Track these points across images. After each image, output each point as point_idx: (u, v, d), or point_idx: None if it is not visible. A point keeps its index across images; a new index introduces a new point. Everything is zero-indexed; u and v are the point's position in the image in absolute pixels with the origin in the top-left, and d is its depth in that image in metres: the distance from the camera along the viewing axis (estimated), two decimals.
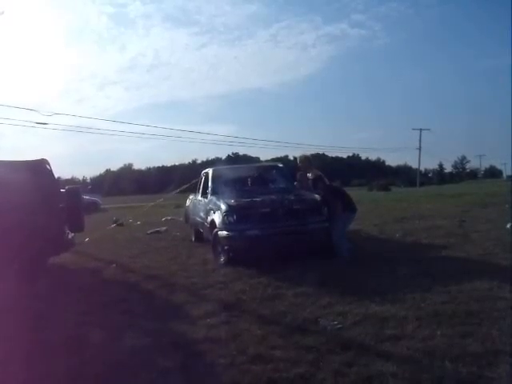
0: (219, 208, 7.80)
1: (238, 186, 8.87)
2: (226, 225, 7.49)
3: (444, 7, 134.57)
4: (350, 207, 7.72)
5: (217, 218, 7.78)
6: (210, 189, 9.00)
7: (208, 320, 4.57)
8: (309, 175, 8.33)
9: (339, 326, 4.23)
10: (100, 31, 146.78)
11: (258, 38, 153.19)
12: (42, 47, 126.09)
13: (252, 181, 9.23)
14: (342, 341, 3.82)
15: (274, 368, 3.36)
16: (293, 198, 8.00)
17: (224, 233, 7.44)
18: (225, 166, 10.67)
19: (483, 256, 6.95)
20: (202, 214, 9.10)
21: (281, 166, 10.32)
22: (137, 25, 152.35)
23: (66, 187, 8.20)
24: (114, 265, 7.86)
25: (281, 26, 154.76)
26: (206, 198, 8.94)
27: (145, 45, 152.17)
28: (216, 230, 7.68)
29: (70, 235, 8.04)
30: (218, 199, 8.15)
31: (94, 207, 29.70)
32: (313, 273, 6.20)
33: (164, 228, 13.36)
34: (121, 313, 5.02)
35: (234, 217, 7.45)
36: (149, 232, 12.77)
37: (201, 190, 9.79)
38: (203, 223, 8.79)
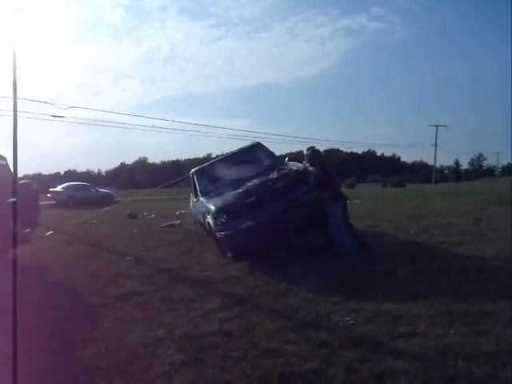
0: (209, 210, 7.85)
1: (224, 179, 8.81)
2: (219, 226, 7.53)
3: None
4: (342, 194, 7.62)
5: (210, 220, 7.84)
6: (198, 191, 9.08)
7: (221, 313, 4.59)
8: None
9: (352, 322, 4.22)
10: (115, 24, 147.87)
11: (274, 31, 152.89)
12: (58, 41, 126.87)
13: (235, 169, 9.01)
14: (355, 337, 3.81)
15: (286, 362, 3.36)
16: (275, 176, 7.87)
17: (220, 233, 7.48)
18: (207, 163, 10.40)
19: (499, 255, 6.87)
20: (201, 216, 9.17)
21: (259, 143, 10.15)
22: (152, 17, 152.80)
23: (19, 182, 8.09)
24: (128, 257, 7.93)
25: (297, 18, 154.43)
26: (199, 199, 9.01)
27: (160, 38, 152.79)
28: (213, 231, 7.75)
29: (23, 231, 7.94)
30: (207, 201, 8.20)
31: (109, 200, 30.08)
32: (325, 269, 6.19)
33: (178, 222, 13.45)
34: (135, 306, 5.07)
35: (224, 216, 7.44)
36: (163, 225, 12.86)
37: (193, 192, 9.82)
38: (204, 224, 8.85)
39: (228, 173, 8.97)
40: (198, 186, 9.20)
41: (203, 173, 9.55)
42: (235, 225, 7.31)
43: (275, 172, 8.05)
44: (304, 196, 7.47)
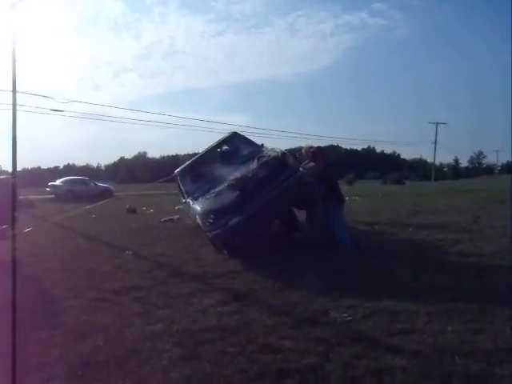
0: (197, 212, 7.80)
1: (206, 175, 8.73)
2: (208, 226, 7.47)
3: None
4: (342, 197, 7.63)
5: (200, 221, 7.79)
6: (184, 192, 9.02)
7: (219, 309, 4.60)
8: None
9: (349, 318, 4.23)
10: (115, 18, 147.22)
11: (274, 27, 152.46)
12: (58, 34, 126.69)
13: (216, 163, 8.92)
14: (352, 333, 3.82)
15: (284, 358, 3.37)
16: (256, 165, 7.77)
17: (211, 233, 7.41)
18: (188, 162, 10.17)
19: (498, 252, 6.87)
20: (192, 216, 9.09)
21: (235, 132, 9.96)
22: (152, 11, 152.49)
23: None
24: (127, 252, 7.93)
25: (298, 14, 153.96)
26: (186, 201, 8.93)
27: (160, 32, 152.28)
28: (205, 231, 7.70)
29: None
30: (193, 202, 8.14)
31: (108, 194, 30.06)
32: (324, 266, 6.20)
33: (177, 217, 13.42)
34: (133, 300, 5.07)
35: (212, 216, 7.36)
36: (162, 220, 12.85)
37: (180, 193, 9.75)
38: (198, 225, 8.81)
39: (210, 168, 8.86)
40: (182, 188, 9.14)
41: (186, 172, 9.46)
42: (224, 223, 7.19)
43: (255, 161, 7.94)
44: (287, 180, 7.36)
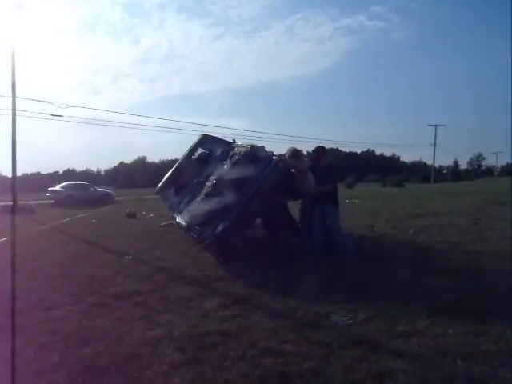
0: (183, 226, 7.78)
1: (186, 187, 8.63)
2: (196, 238, 7.42)
3: None
4: (337, 201, 7.58)
5: (188, 235, 7.74)
6: (168, 207, 9.00)
7: (220, 313, 4.59)
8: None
9: (350, 321, 4.22)
10: (114, 23, 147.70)
11: (273, 30, 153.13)
12: (57, 40, 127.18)
13: (193, 169, 8.80)
14: (353, 336, 3.81)
15: (285, 362, 3.36)
16: (229, 166, 7.67)
17: (203, 244, 7.26)
18: (166, 176, 9.96)
19: (498, 254, 6.86)
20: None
21: (206, 135, 9.77)
22: (151, 16, 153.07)
23: None
24: (127, 256, 7.91)
25: (297, 17, 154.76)
26: (173, 215, 8.83)
27: (159, 36, 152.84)
28: (195, 243, 7.66)
29: None
30: (178, 217, 8.08)
31: (108, 199, 30.08)
32: (324, 269, 6.19)
33: None
34: (134, 305, 5.06)
35: (197, 228, 7.29)
36: (162, 225, 12.81)
37: (167, 208, 9.70)
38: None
39: (188, 176, 8.75)
40: (166, 203, 9.10)
41: (166, 187, 9.40)
42: (211, 232, 6.99)
43: (228, 161, 7.84)
44: (263, 173, 7.12)
